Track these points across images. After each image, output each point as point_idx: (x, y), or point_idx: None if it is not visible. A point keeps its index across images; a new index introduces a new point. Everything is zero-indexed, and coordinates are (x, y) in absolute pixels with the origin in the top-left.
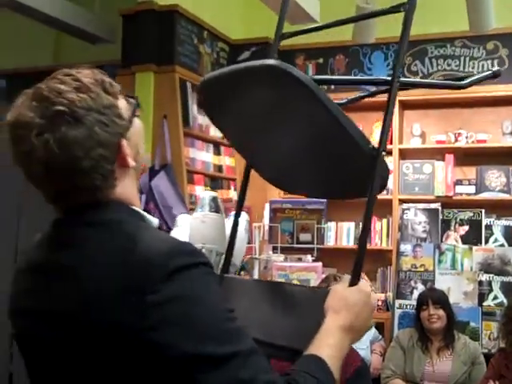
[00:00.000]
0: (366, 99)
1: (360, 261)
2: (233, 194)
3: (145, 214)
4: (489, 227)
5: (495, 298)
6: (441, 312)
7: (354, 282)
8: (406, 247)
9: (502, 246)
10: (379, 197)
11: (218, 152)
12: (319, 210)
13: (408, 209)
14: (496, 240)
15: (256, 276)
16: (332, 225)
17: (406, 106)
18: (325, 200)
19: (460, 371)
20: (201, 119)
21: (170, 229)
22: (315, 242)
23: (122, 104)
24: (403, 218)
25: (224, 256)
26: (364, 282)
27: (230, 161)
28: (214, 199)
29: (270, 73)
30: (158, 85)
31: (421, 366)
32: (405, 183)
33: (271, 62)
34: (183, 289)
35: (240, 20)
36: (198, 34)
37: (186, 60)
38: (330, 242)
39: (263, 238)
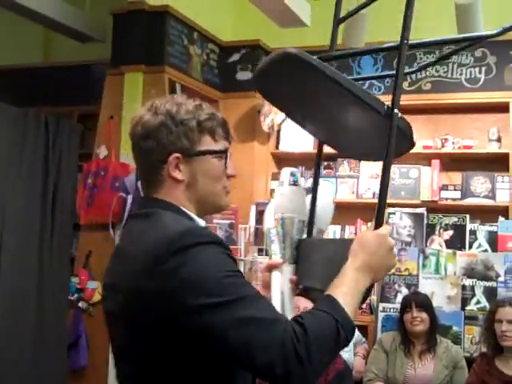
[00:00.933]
0: None
1: (381, 208)
2: None
3: (192, 214)
4: (473, 232)
5: (478, 302)
6: (424, 315)
7: (375, 227)
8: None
9: (486, 251)
10: (365, 201)
11: None
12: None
13: (394, 213)
14: (480, 245)
15: None
16: None
17: None
18: None
19: (442, 375)
20: None
21: None
22: None
23: (206, 140)
24: (389, 221)
25: (307, 222)
26: (384, 226)
27: None
28: (291, 173)
29: (287, 60)
30: (147, 85)
31: (403, 369)
32: (391, 188)
33: (288, 50)
34: (187, 260)
35: (231, 22)
36: (189, 35)
37: (176, 61)
38: None
39: (249, 240)
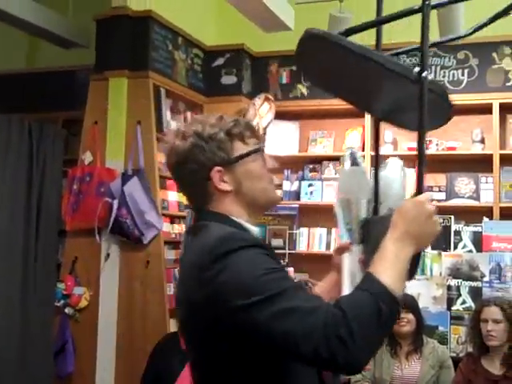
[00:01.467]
0: (340, 107)
1: (420, 176)
2: None
3: (241, 221)
4: (458, 233)
5: (463, 302)
6: (410, 316)
7: (415, 195)
8: None
9: (471, 251)
10: None
11: None
12: (291, 216)
13: None
14: (465, 246)
15: None
16: (304, 231)
17: None
18: (297, 206)
19: (428, 375)
20: (174, 125)
21: (142, 234)
22: (287, 248)
23: (238, 145)
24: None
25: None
26: (424, 193)
27: None
28: (352, 154)
29: (311, 40)
30: (131, 90)
31: (390, 369)
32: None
33: (310, 30)
34: (227, 265)
35: (214, 26)
36: (173, 40)
37: (160, 66)
38: (302, 248)
39: None
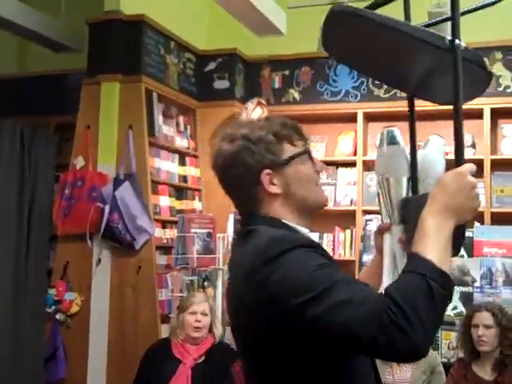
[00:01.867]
0: (333, 111)
1: (459, 146)
2: (197, 205)
3: (292, 224)
4: None
5: (454, 307)
6: None
7: (456, 167)
8: (368, 258)
9: (462, 256)
10: (342, 208)
11: (183, 162)
12: None
13: (371, 220)
14: None
15: (219, 287)
16: None
17: (370, 118)
18: None
19: (419, 380)
20: (166, 129)
21: (133, 239)
22: None
23: (286, 147)
24: (366, 228)
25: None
26: (465, 165)
27: (195, 171)
28: (389, 132)
29: (334, 17)
30: (123, 95)
31: (381, 374)
32: (368, 194)
33: (333, 7)
34: (277, 267)
35: (207, 31)
36: (165, 44)
37: (153, 70)
38: None
39: (227, 249)
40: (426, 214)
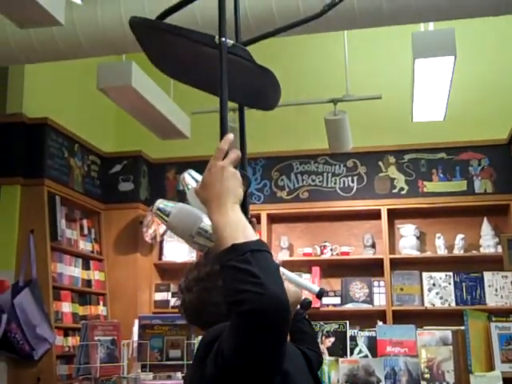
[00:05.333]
0: None
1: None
2: (102, 309)
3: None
4: (353, 338)
5: None
6: None
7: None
8: None
9: (366, 356)
10: None
11: (87, 266)
12: (188, 325)
13: None
14: (360, 351)
15: None
16: None
17: (273, 219)
18: None
19: None
20: (69, 233)
21: (32, 349)
22: (185, 359)
23: None
24: None
25: None
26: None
27: (99, 275)
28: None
29: (133, 27)
30: (24, 198)
31: None
32: None
33: (132, 18)
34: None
35: (112, 133)
36: (69, 147)
37: (56, 173)
38: None
39: (132, 356)
40: (210, 218)
